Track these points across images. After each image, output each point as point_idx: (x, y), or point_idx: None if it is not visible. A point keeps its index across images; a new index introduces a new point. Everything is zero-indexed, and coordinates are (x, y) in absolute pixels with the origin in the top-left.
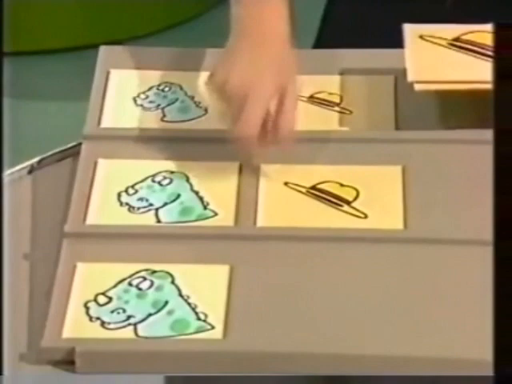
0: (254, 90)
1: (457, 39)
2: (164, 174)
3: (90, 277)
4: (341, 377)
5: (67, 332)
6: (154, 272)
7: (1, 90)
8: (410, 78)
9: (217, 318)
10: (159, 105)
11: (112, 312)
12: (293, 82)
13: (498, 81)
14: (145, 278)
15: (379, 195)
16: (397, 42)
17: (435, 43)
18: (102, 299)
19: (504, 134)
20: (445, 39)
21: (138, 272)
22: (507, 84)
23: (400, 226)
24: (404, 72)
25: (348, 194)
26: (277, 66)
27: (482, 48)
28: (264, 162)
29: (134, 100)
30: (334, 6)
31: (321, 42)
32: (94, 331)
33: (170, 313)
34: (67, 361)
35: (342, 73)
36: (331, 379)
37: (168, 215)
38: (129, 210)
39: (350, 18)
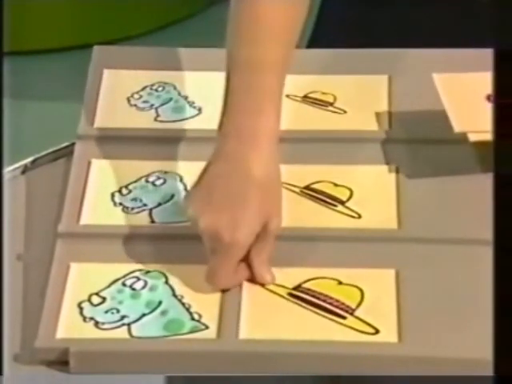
0: (226, 240)
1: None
2: (158, 174)
3: (84, 277)
4: (347, 377)
5: (61, 332)
6: (147, 272)
7: (1, 90)
8: (457, 129)
9: (211, 317)
10: (153, 105)
11: (106, 312)
12: (276, 216)
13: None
14: (138, 278)
15: (373, 195)
16: (390, 41)
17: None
18: (95, 299)
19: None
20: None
21: (131, 272)
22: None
23: (394, 225)
24: (397, 71)
25: (342, 194)
26: (258, 202)
27: None
28: None
29: (128, 100)
30: (328, 6)
31: (315, 42)
32: (88, 331)
33: (163, 313)
34: (61, 361)
35: (335, 72)
36: (337, 379)
37: (162, 215)
38: (122, 210)
39: (344, 18)
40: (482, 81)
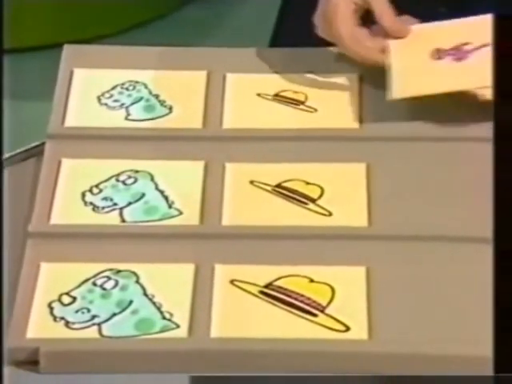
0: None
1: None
2: (128, 173)
3: (54, 277)
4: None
5: (31, 332)
6: (118, 271)
7: (1, 90)
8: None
9: (182, 316)
10: (123, 104)
11: (76, 312)
12: None
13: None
14: (109, 278)
15: (344, 193)
16: None
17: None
18: (66, 299)
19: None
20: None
21: (102, 272)
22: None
23: (364, 223)
24: (367, 69)
25: (313, 192)
26: None
27: None
28: (229, 160)
29: (99, 99)
30: (290, 4)
31: (278, 40)
32: (59, 331)
33: (134, 312)
34: (31, 361)
35: (306, 71)
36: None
37: (132, 214)
38: (93, 209)
39: (307, 16)
40: (430, 34)
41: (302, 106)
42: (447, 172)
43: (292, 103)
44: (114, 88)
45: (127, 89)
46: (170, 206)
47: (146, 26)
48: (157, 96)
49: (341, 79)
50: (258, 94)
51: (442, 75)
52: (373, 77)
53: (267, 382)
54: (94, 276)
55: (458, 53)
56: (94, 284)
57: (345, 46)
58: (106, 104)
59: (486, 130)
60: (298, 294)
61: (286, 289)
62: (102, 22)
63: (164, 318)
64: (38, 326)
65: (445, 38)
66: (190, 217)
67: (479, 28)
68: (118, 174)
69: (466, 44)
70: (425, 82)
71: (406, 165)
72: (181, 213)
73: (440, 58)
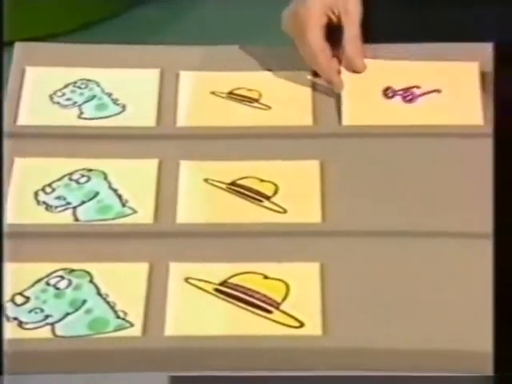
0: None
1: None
2: (81, 171)
3: (8, 277)
4: None
5: None
6: (72, 271)
7: (1, 88)
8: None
9: (136, 315)
10: (76, 102)
11: (30, 312)
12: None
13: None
14: (62, 277)
15: (298, 190)
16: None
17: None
18: (19, 299)
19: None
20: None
21: (55, 271)
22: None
23: (318, 219)
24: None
25: (267, 189)
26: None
27: None
28: (183, 158)
29: (51, 97)
30: None
31: None
32: (12, 331)
33: (88, 312)
34: None
35: (260, 69)
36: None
37: (86, 213)
38: (46, 208)
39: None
40: (383, 71)
41: (256, 104)
42: (399, 167)
43: (246, 101)
44: (66, 86)
45: (79, 87)
46: (123, 205)
47: (100, 24)
48: (109, 94)
49: (295, 77)
50: (212, 92)
51: (392, 112)
52: None
53: (240, 382)
54: (48, 276)
55: (408, 95)
56: (48, 284)
57: (311, 56)
58: (58, 102)
59: (440, 128)
60: (252, 290)
61: (240, 286)
62: (55, 20)
63: (118, 317)
64: None
65: (396, 77)
66: (144, 215)
67: (431, 73)
68: (71, 173)
69: (416, 87)
70: (375, 115)
71: (359, 162)
72: (135, 211)
73: (390, 97)
